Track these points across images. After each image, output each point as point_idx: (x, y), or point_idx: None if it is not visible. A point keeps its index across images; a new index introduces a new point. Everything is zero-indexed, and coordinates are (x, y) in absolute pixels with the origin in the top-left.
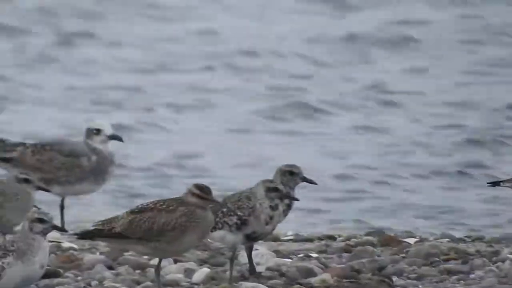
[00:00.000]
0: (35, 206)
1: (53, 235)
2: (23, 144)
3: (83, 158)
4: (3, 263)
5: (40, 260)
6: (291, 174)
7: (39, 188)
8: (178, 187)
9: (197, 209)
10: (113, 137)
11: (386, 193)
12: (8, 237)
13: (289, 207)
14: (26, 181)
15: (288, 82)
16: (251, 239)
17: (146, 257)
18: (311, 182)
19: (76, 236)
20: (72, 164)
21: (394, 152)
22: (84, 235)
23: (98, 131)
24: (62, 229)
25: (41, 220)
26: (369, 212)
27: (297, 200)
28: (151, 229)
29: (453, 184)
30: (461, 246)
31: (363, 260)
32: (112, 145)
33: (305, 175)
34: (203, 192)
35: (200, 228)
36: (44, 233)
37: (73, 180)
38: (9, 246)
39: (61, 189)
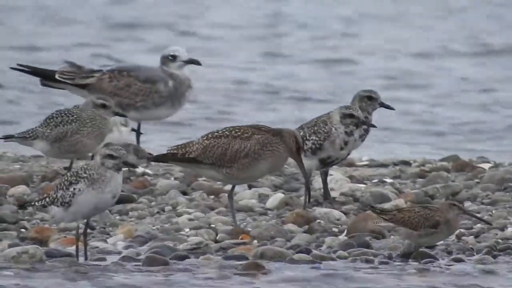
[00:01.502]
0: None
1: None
2: (101, 70)
3: (160, 84)
4: (74, 189)
5: (112, 190)
6: (369, 99)
7: (116, 114)
8: None
9: (279, 145)
10: (190, 62)
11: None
12: (82, 163)
13: (366, 132)
14: (103, 106)
15: None
16: (325, 164)
17: (219, 183)
18: (388, 107)
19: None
20: (149, 90)
21: None
22: (158, 159)
23: (174, 57)
24: (132, 165)
25: (112, 156)
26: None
27: (374, 126)
28: (224, 155)
29: None
30: None
31: (437, 186)
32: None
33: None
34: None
35: (273, 159)
36: (115, 168)
37: (149, 105)
38: (82, 172)
39: (138, 114)
